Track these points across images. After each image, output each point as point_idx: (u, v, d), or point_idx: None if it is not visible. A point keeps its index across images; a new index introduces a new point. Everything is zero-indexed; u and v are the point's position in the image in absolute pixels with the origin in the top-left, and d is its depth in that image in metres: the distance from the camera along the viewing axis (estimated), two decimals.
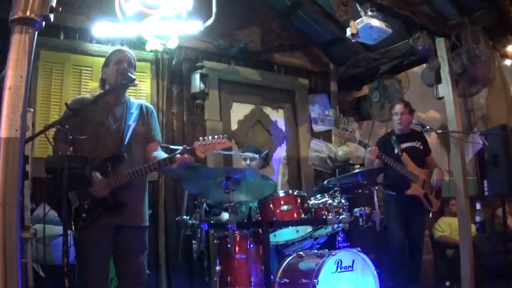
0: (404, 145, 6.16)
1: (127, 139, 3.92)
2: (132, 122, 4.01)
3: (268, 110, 7.68)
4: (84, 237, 3.76)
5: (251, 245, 4.38)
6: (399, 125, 6.26)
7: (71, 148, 3.65)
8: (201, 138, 3.91)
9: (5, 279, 2.54)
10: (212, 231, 5.25)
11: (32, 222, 4.42)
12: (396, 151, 6.00)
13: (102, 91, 4.13)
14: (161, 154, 4.08)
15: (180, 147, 4.00)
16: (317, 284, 4.07)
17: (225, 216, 4.96)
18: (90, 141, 3.84)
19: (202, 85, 6.60)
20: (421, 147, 6.30)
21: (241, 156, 5.91)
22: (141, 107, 4.16)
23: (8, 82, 2.72)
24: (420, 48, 6.27)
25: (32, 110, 4.94)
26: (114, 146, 3.90)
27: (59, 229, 4.09)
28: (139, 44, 6.08)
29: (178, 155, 3.81)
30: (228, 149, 6.30)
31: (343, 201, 4.78)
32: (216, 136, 3.91)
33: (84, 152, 3.73)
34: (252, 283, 4.25)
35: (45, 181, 3.75)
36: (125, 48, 4.61)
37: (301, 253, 4.67)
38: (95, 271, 3.74)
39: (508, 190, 6.22)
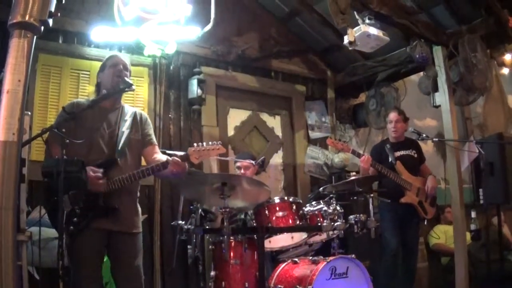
0: (398, 153, 6.17)
1: (120, 145, 3.94)
2: (125, 129, 4.03)
3: (265, 116, 7.69)
4: (76, 242, 3.76)
5: (246, 251, 4.38)
6: (394, 133, 6.27)
7: (65, 151, 3.67)
8: (195, 144, 3.92)
9: (0, 282, 2.55)
10: (207, 237, 5.26)
11: (28, 225, 4.43)
12: (390, 160, 6.02)
13: (97, 95, 4.16)
14: (162, 157, 4.10)
15: (177, 152, 4.02)
16: None
17: None
18: (84, 145, 3.85)
19: (199, 91, 6.62)
20: (416, 155, 6.32)
21: (235, 163, 5.94)
22: (134, 114, 4.18)
23: (6, 86, 2.74)
24: (417, 56, 6.29)
25: (29, 113, 4.95)
26: (107, 151, 3.92)
27: (54, 232, 4.09)
28: (137, 49, 6.09)
29: (170, 159, 3.81)
30: (224, 155, 6.34)
31: (338, 208, 4.78)
32: (210, 142, 3.91)
33: (77, 156, 3.74)
34: None
35: (42, 184, 3.76)
36: (120, 53, 4.64)
37: (296, 259, 4.67)
38: (88, 275, 3.75)
39: (504, 199, 6.26)
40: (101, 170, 3.80)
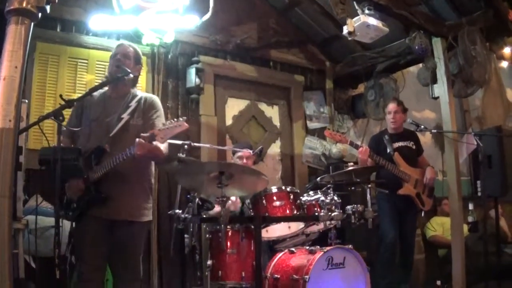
0: (397, 145, 6.15)
1: (114, 132, 3.91)
2: (126, 115, 3.99)
3: (263, 106, 7.68)
4: (79, 228, 3.81)
5: (243, 240, 4.39)
6: (392, 124, 6.25)
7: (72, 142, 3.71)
8: (163, 122, 3.81)
9: None
10: (204, 226, 5.25)
11: (24, 213, 4.43)
12: (388, 151, 6.01)
13: (107, 87, 4.17)
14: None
15: (175, 141, 3.99)
16: (308, 280, 4.07)
17: None
18: (84, 134, 3.88)
19: (197, 80, 6.60)
20: (414, 147, 6.30)
21: (233, 153, 5.93)
22: (140, 99, 4.12)
23: (3, 73, 2.73)
24: (416, 47, 6.27)
25: (26, 101, 4.94)
26: (102, 139, 3.90)
27: (51, 220, 4.09)
28: (135, 37, 6.06)
29: (137, 140, 3.71)
30: (222, 145, 6.32)
31: (335, 198, 4.77)
32: (175, 119, 3.75)
33: (79, 145, 3.77)
34: (243, 278, 4.27)
35: (39, 173, 3.75)
36: (126, 42, 4.61)
37: (293, 249, 4.67)
38: (89, 261, 3.79)
39: (501, 192, 6.26)
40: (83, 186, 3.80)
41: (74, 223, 3.89)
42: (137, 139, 3.67)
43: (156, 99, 4.27)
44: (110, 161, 3.77)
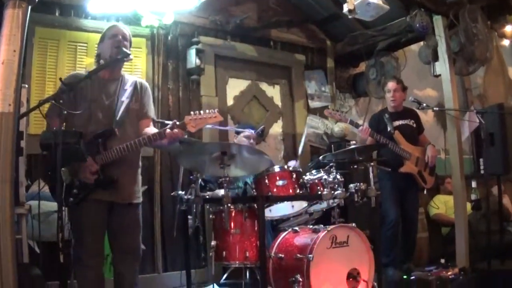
0: (397, 123, 6.15)
1: (119, 115, 3.89)
2: (125, 99, 3.97)
3: (264, 86, 7.66)
4: (77, 213, 3.77)
5: (246, 220, 4.37)
6: (392, 103, 6.25)
7: (65, 124, 3.66)
8: (192, 112, 3.85)
9: None
10: (208, 206, 5.25)
11: (27, 198, 4.43)
12: (388, 129, 5.99)
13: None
14: (152, 130, 4.01)
15: (168, 122, 3.98)
16: (312, 259, 4.07)
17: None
18: (83, 117, 3.83)
19: (198, 61, 6.57)
20: (414, 125, 6.30)
21: (239, 134, 5.92)
22: (135, 83, 4.11)
23: (1, 57, 2.72)
24: (417, 25, 6.24)
25: (27, 86, 4.93)
26: (105, 121, 3.88)
27: (54, 205, 4.08)
28: (134, 19, 6.04)
29: (168, 130, 3.76)
30: (223, 125, 6.32)
31: (338, 176, 4.75)
32: (207, 110, 3.83)
33: (77, 128, 3.73)
34: (247, 258, 4.27)
35: (40, 158, 3.74)
36: (120, 23, 4.58)
37: (296, 228, 4.67)
38: (89, 246, 3.75)
39: (504, 169, 6.24)
40: (97, 167, 3.77)
41: (71, 208, 3.86)
42: (168, 130, 3.76)
43: (148, 85, 4.31)
44: (128, 144, 3.78)
